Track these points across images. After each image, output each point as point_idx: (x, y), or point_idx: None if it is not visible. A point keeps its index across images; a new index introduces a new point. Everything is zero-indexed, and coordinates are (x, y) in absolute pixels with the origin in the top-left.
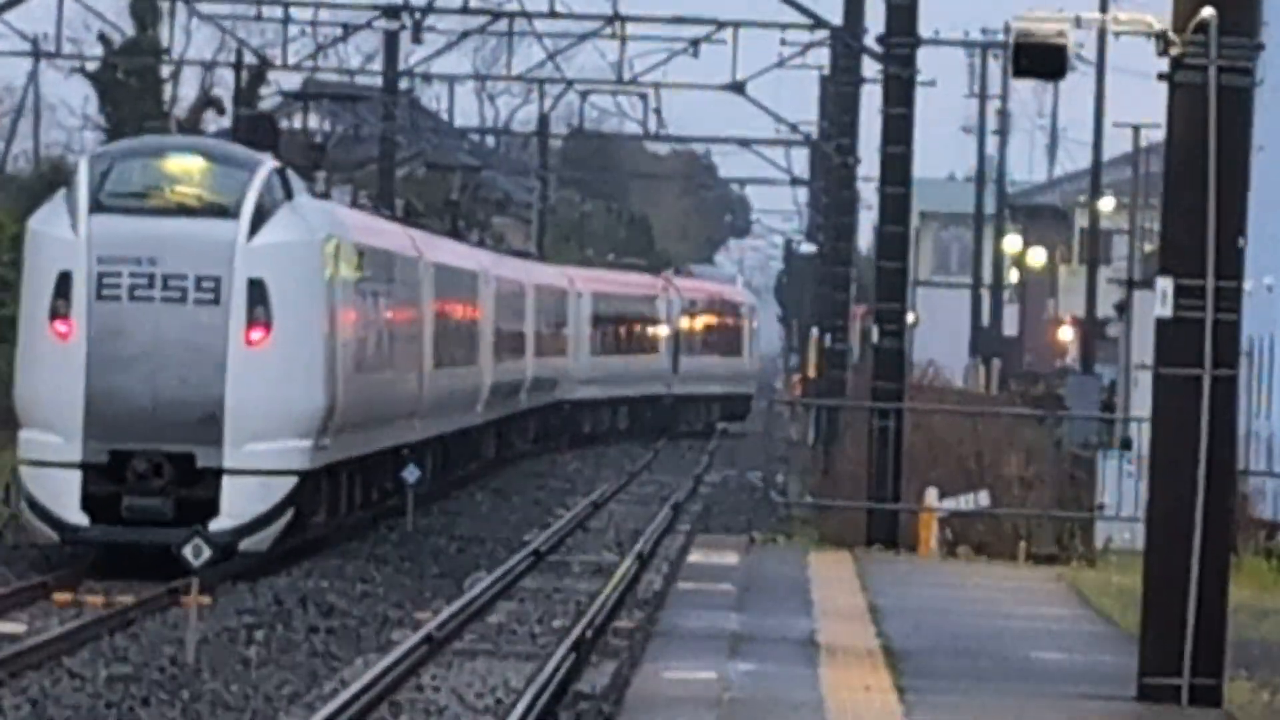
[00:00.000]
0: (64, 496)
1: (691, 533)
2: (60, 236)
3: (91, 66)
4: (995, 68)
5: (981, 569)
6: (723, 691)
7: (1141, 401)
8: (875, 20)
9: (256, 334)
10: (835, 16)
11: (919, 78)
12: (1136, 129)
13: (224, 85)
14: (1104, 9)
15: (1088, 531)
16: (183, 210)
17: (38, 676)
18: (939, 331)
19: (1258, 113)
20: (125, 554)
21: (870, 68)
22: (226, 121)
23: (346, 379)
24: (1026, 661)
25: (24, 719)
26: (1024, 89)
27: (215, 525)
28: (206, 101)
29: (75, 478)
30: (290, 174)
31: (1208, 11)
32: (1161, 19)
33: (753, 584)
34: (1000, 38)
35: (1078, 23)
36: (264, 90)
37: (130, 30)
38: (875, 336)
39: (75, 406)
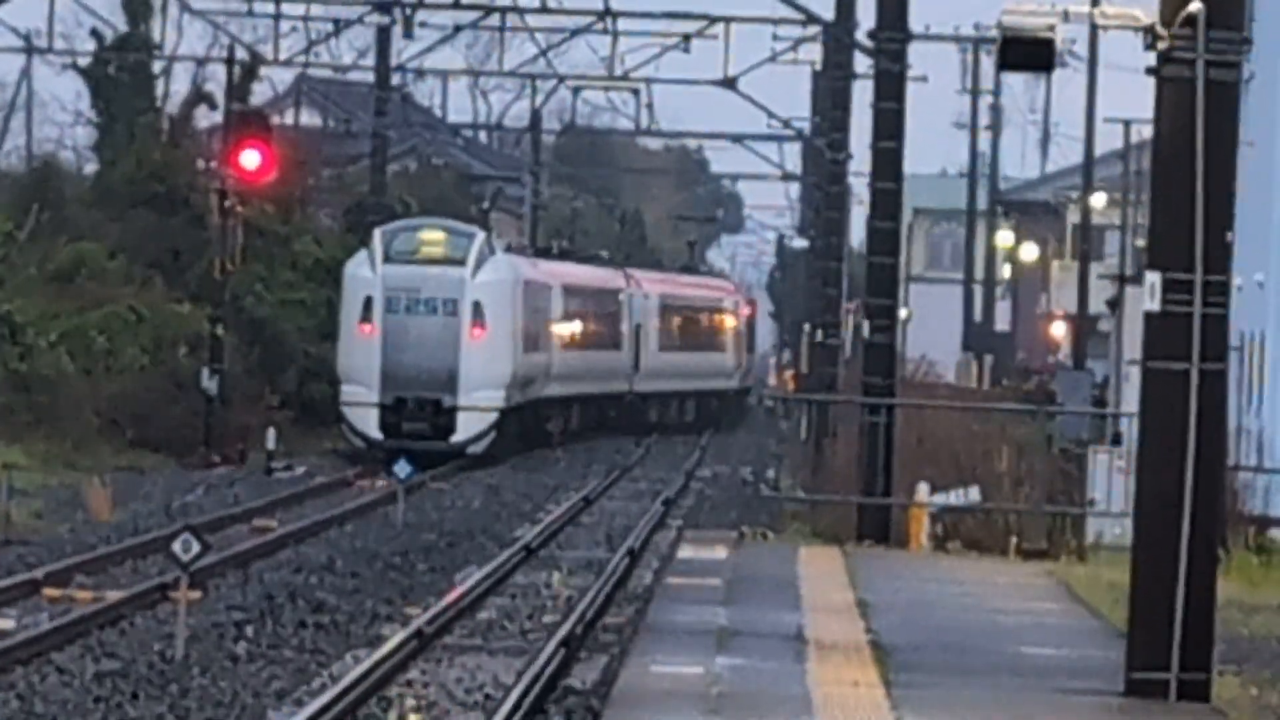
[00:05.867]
0: (369, 422)
1: (682, 528)
2: (366, 276)
3: (83, 62)
4: (987, 63)
5: (972, 564)
6: (710, 686)
7: (1133, 397)
8: (866, 15)
9: (477, 332)
10: (827, 12)
11: (910, 73)
12: (1128, 124)
13: (216, 81)
14: (1094, 3)
15: (1078, 527)
16: (434, 261)
17: (26, 672)
18: (931, 327)
19: (1246, 107)
20: (402, 453)
21: (862, 63)
22: (218, 117)
23: (521, 358)
24: (1015, 656)
25: (11, 714)
26: (1016, 84)
27: (453, 439)
28: (198, 97)
29: (375, 412)
30: (492, 238)
31: (1195, 6)
32: (1149, 13)
33: (742, 579)
34: (992, 33)
35: (1065, 17)
36: (255, 86)
37: (122, 26)
38: (867, 332)
39: (375, 372)
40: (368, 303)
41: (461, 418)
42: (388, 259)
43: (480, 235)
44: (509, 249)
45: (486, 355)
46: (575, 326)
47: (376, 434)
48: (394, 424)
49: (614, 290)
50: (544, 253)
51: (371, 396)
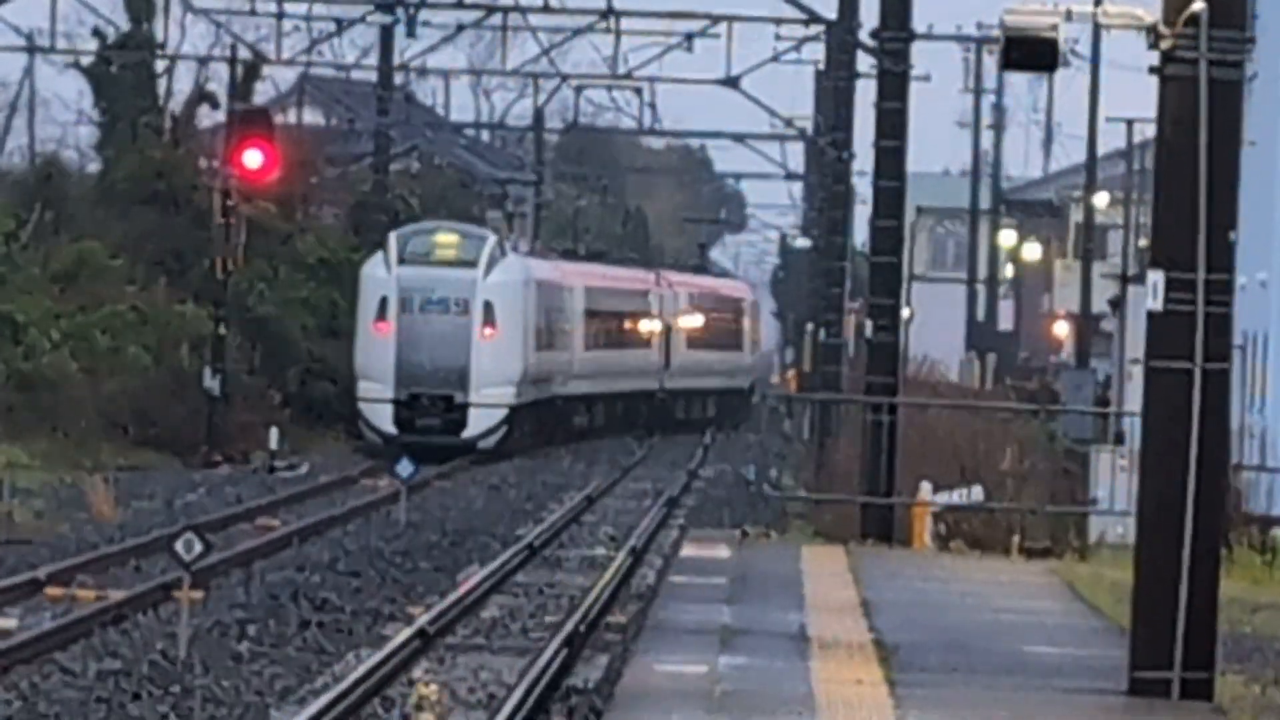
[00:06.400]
0: (384, 418)
1: (685, 527)
2: (381, 276)
3: (86, 61)
4: (990, 62)
5: (974, 563)
6: (714, 685)
7: (1136, 396)
8: (870, 15)
9: (488, 331)
10: (830, 11)
11: (913, 72)
12: (1130, 123)
13: (218, 80)
14: (1096, 2)
15: (1081, 526)
16: (448, 263)
17: (28, 671)
18: (934, 326)
19: (1249, 107)
20: (414, 448)
21: (865, 62)
22: (221, 116)
23: (533, 356)
24: (1018, 655)
25: (15, 714)
26: (1019, 84)
27: (464, 434)
28: (201, 96)
29: (390, 407)
30: (504, 242)
31: (1198, 5)
32: (1152, 12)
33: (745, 578)
34: (995, 32)
35: (1068, 16)
36: (258, 85)
37: (125, 25)
38: (870, 331)
39: (390, 369)
40: (383, 302)
41: (473, 413)
42: (403, 260)
43: (491, 238)
44: (532, 252)
45: (497, 353)
46: (599, 325)
47: (391, 429)
48: (408, 419)
49: (643, 291)
50: (570, 255)
51: (386, 392)
